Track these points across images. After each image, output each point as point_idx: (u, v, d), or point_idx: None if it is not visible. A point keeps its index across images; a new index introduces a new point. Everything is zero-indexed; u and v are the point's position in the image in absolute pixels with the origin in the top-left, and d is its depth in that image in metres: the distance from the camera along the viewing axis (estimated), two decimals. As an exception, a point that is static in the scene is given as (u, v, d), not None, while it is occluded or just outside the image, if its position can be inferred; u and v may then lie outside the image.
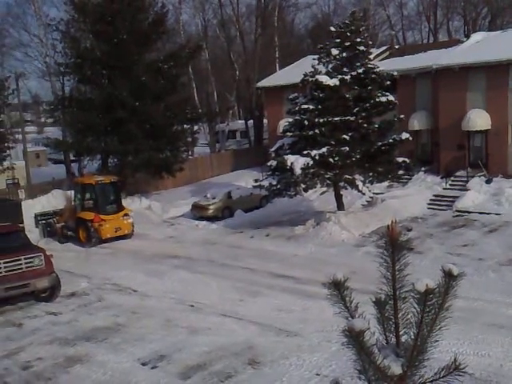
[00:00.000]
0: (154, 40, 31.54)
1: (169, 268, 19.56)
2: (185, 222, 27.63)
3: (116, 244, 23.79)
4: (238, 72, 46.13)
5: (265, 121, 43.12)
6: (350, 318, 2.13)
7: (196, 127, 35.91)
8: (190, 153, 39.73)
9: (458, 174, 27.36)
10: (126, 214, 24.58)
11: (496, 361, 10.93)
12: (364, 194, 23.98)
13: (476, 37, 30.57)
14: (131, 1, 29.32)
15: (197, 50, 33.38)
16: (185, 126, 32.47)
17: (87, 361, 12.39)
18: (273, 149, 25.00)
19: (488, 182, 26.03)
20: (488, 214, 23.47)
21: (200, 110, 36.88)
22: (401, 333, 2.09)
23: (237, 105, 56.49)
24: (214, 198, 28.19)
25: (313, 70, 23.05)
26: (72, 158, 39.80)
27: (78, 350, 13.06)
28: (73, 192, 25.71)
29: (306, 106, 23.07)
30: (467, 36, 35.41)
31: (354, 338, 1.92)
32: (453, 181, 27.28)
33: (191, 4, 49.18)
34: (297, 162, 21.77)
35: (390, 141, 23.23)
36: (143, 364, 12.05)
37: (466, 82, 27.08)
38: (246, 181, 31.12)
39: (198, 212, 28.02)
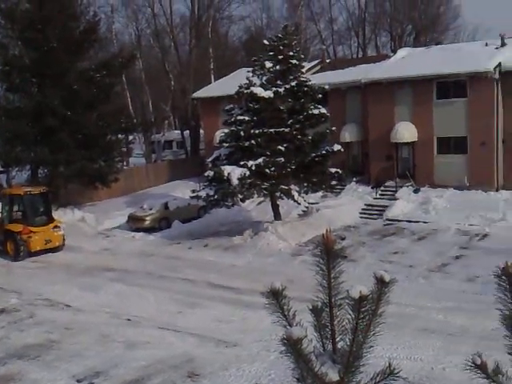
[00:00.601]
0: (86, 48, 30.86)
1: (104, 281, 19.06)
2: (120, 233, 27.05)
3: (47, 257, 22.95)
4: (173, 82, 45.86)
5: (201, 131, 43.03)
6: (287, 327, 2.17)
7: (131, 137, 35.32)
8: (125, 163, 38.98)
9: (387, 184, 28.35)
10: (56, 226, 23.76)
11: (427, 364, 11.36)
12: (300, 203, 24.39)
13: (402, 52, 31.92)
14: (62, 8, 28.57)
15: (130, 60, 32.92)
16: (119, 135, 31.81)
17: (19, 379, 11.90)
18: (210, 159, 25.02)
19: (416, 191, 27.12)
20: (416, 222, 24.43)
21: (135, 120, 36.32)
22: (337, 339, 2.15)
23: (173, 115, 56.08)
24: (150, 209, 27.79)
25: (247, 81, 23.33)
26: (0, 168, 38.07)
27: (9, 368, 12.50)
28: (0, 204, 24.65)
29: (241, 117, 23.28)
30: (394, 51, 36.94)
31: (292, 346, 1.95)
32: (383, 191, 28.23)
33: (124, 13, 48.73)
34: (234, 172, 21.88)
35: (323, 152, 23.86)
36: (78, 381, 11.68)
37: (394, 95, 28.20)
38: (183, 191, 30.87)
39: (135, 223, 27.52)
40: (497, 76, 25.51)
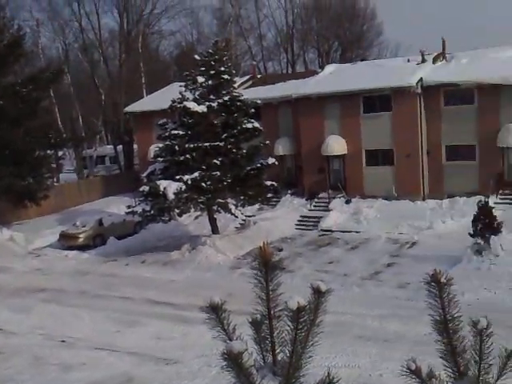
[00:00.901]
0: (10, 63, 29.76)
1: (36, 302, 18.30)
2: (52, 252, 26.11)
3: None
4: (103, 97, 44.97)
5: (135, 146, 42.34)
6: (228, 341, 2.17)
7: (61, 153, 34.21)
8: (55, 179, 37.71)
9: (320, 195, 28.97)
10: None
11: (365, 371, 11.62)
12: (237, 216, 24.47)
13: (329, 68, 32.88)
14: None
15: (58, 74, 32.05)
16: (48, 151, 30.78)
17: None
18: (144, 174, 24.68)
19: (347, 202, 27.87)
20: (349, 232, 25.07)
21: (64, 135, 35.29)
22: (277, 351, 2.16)
23: (104, 130, 54.90)
24: (83, 226, 27.02)
25: (180, 96, 23.27)
26: None
27: None
28: None
29: (175, 132, 23.16)
30: (322, 67, 37.99)
31: (233, 360, 1.94)
32: (316, 202, 28.81)
33: (51, 28, 47.35)
34: (169, 186, 21.67)
35: (258, 165, 24.14)
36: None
37: (323, 110, 28.96)
38: (118, 207, 30.25)
39: (67, 241, 26.63)
40: (419, 90, 26.74)
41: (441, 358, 2.05)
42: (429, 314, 2.04)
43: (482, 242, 18.10)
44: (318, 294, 2.09)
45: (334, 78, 30.22)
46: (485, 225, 18.22)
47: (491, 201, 20.68)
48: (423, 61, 28.74)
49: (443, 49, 29.83)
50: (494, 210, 18.83)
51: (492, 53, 27.95)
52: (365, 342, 13.20)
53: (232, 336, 2.20)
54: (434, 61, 28.88)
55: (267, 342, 2.18)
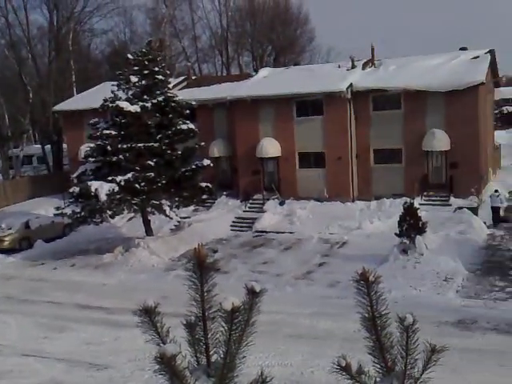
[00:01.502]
0: None
1: (-45, 311, 17.34)
2: (-27, 257, 24.81)
3: None
4: (31, 95, 43.24)
5: (64, 145, 40.98)
6: (161, 344, 2.15)
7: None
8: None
9: (255, 197, 29.21)
10: None
11: (297, 369, 11.80)
12: (171, 218, 24.25)
13: (263, 72, 33.22)
14: None
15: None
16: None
17: None
18: (75, 175, 23.94)
19: (281, 204, 28.25)
20: (283, 233, 25.42)
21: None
22: (211, 353, 2.16)
23: (32, 129, 52.80)
24: (9, 229, 25.88)
25: (112, 95, 22.77)
26: None
27: None
28: None
29: (107, 132, 22.63)
30: (256, 71, 38.26)
31: (166, 363, 1.93)
32: (251, 204, 29.01)
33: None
34: (101, 187, 21.15)
35: (193, 167, 24.01)
36: None
37: (258, 113, 29.23)
38: (45, 209, 29.17)
39: (-10, 245, 25.41)
40: (349, 96, 27.50)
41: (369, 354, 2.11)
42: (357, 312, 2.11)
43: (408, 242, 18.80)
44: (253, 294, 2.11)
45: (268, 81, 30.56)
46: (410, 225, 18.94)
47: (416, 202, 21.49)
48: (353, 67, 29.59)
49: (372, 55, 30.80)
50: (418, 211, 19.59)
51: (418, 61, 29.17)
52: (297, 340, 13.42)
53: (165, 339, 2.18)
54: (364, 67, 29.79)
55: (201, 343, 2.18)
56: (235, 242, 24.75)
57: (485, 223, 23.47)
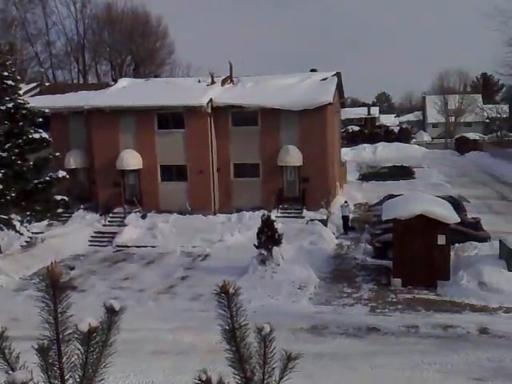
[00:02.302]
0: None
1: None
2: None
3: None
4: None
5: None
6: (10, 372, 2.01)
7: None
8: None
9: (116, 210, 28.39)
10: None
11: (159, 386, 11.56)
12: (22, 234, 22.76)
13: (123, 82, 32.61)
14: None
15: None
16: None
17: None
18: None
19: (143, 217, 27.77)
20: (145, 247, 24.99)
21: None
22: (66, 377, 2.06)
23: None
24: None
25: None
26: None
27: None
28: None
29: None
30: (115, 80, 37.39)
31: (16, 391, 1.81)
32: (111, 217, 28.13)
33: None
34: None
35: (47, 178, 22.76)
36: None
37: (118, 123, 28.56)
38: None
39: None
40: (209, 110, 28.01)
41: (229, 365, 2.15)
42: (218, 324, 2.14)
43: (266, 253, 19.49)
44: (111, 312, 2.05)
45: (128, 92, 29.99)
46: (268, 237, 19.66)
47: (273, 215, 22.44)
48: (213, 82, 30.17)
49: (230, 73, 31.66)
50: (275, 223, 20.44)
51: (274, 79, 30.60)
52: (159, 356, 13.18)
53: (15, 365, 2.04)
54: (223, 83, 30.50)
55: (55, 368, 2.07)
56: (94, 258, 23.78)
57: (333, 234, 25.28)
